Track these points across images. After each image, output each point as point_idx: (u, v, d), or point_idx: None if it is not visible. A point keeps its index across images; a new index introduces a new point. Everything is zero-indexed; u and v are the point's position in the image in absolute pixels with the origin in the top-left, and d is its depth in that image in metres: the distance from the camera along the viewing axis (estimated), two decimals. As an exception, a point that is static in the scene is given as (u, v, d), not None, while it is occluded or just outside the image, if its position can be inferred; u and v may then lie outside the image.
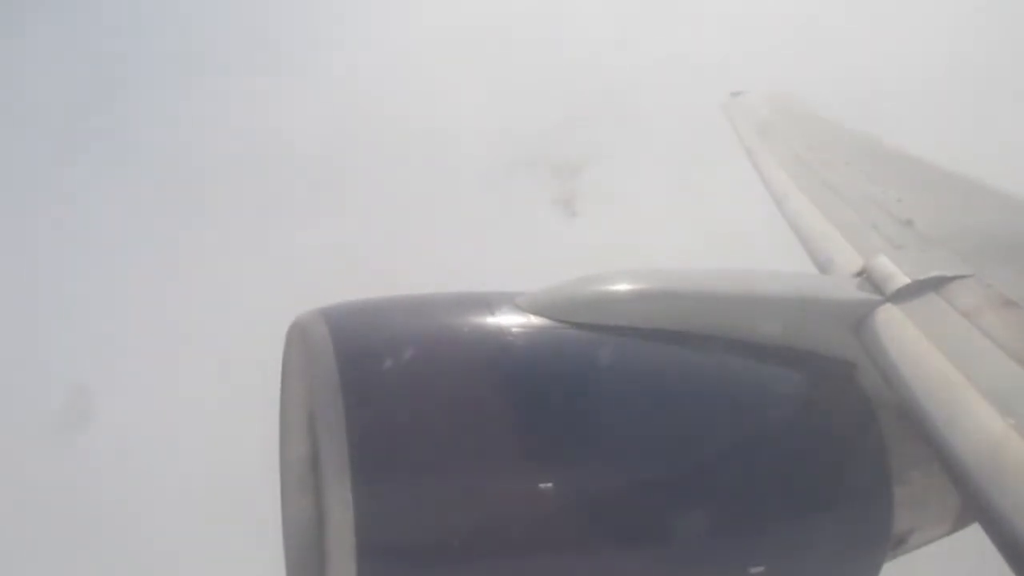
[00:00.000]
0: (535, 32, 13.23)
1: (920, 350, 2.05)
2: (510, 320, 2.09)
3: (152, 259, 10.67)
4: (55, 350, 9.89)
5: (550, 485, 1.92)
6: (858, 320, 2.25)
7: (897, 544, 2.26)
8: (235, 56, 13.70)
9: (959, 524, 2.35)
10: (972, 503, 1.73)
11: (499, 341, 2.05)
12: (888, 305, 2.25)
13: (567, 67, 12.36)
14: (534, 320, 2.09)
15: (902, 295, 2.26)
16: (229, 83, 13.28)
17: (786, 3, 12.93)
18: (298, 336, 2.04)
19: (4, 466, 8.45)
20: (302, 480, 2.06)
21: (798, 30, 12.19)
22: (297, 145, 12.05)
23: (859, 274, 2.50)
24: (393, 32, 13.91)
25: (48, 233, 11.41)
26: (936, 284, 2.26)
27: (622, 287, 2.21)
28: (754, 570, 2.05)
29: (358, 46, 13.60)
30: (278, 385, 2.16)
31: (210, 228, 10.93)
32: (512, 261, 9.11)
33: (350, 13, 14.37)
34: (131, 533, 7.93)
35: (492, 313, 2.09)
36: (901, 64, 11.44)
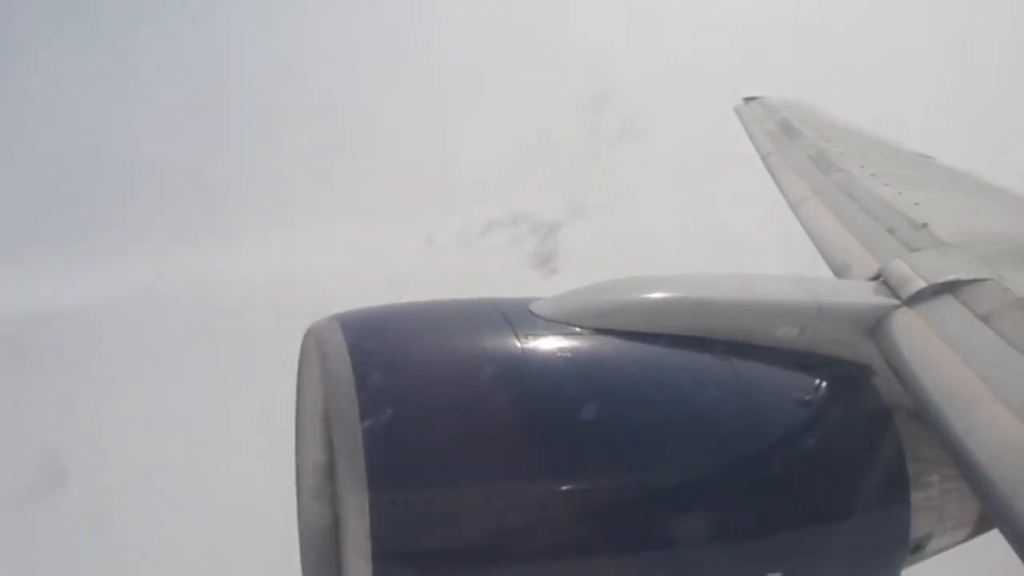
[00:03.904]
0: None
1: (937, 354, 2.03)
2: (529, 326, 2.07)
3: (167, 264, 10.76)
4: (73, 358, 9.98)
5: (569, 491, 1.91)
6: (874, 324, 2.23)
7: (915, 549, 2.24)
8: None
9: (977, 530, 2.32)
10: (991, 509, 1.72)
11: (520, 347, 2.03)
12: (904, 309, 2.24)
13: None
14: (554, 326, 2.09)
15: (918, 299, 2.25)
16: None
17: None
18: (313, 343, 2.04)
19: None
20: (318, 487, 2.07)
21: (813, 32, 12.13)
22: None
23: (875, 278, 2.49)
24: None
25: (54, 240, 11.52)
26: (953, 288, 2.25)
27: (640, 294, 2.20)
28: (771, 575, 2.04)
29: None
30: (293, 392, 2.18)
31: (214, 236, 11.03)
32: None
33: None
34: (148, 539, 7.97)
35: (510, 319, 2.07)
36: (919, 65, 11.37)
